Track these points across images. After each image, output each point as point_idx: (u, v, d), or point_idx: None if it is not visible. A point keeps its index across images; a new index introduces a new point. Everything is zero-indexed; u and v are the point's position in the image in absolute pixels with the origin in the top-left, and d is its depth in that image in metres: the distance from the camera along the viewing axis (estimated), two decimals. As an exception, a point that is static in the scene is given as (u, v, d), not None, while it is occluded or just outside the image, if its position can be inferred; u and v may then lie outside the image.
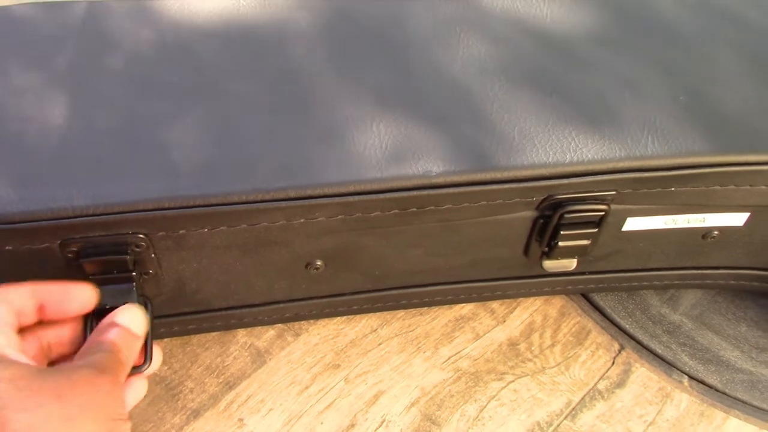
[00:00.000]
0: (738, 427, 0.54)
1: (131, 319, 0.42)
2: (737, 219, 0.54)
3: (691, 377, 0.57)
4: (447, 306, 0.59)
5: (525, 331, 0.58)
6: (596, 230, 0.51)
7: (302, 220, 0.47)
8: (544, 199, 0.49)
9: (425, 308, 0.59)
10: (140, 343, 0.43)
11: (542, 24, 0.57)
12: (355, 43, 0.55)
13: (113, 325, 0.41)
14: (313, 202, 0.46)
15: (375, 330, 0.58)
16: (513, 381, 0.55)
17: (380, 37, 0.55)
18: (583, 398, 0.55)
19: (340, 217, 0.47)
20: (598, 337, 0.59)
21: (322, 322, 0.58)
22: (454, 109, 0.50)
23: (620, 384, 0.56)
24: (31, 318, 0.41)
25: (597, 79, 0.53)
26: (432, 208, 0.48)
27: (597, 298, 0.60)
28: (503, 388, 0.55)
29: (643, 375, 0.57)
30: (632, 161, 0.48)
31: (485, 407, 0.54)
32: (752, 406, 0.56)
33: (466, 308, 0.60)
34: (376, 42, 0.55)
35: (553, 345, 0.58)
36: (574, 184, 0.48)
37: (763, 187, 0.51)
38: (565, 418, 0.54)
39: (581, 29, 0.57)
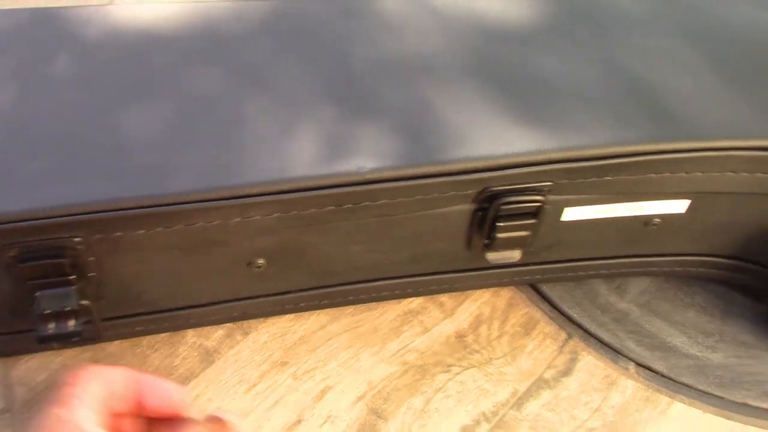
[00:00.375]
0: (682, 410, 0.55)
1: None
2: (678, 206, 0.54)
3: (637, 364, 0.57)
4: (396, 300, 0.60)
5: (473, 324, 0.59)
6: (535, 221, 0.51)
7: (238, 220, 0.47)
8: (480, 192, 0.49)
9: (374, 303, 0.59)
10: None
11: (478, 16, 0.57)
12: (291, 42, 0.55)
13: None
14: (248, 200, 0.46)
15: (324, 326, 0.58)
16: (460, 373, 0.56)
17: (315, 34, 0.56)
18: (529, 388, 0.55)
19: (276, 215, 0.47)
20: (546, 327, 0.59)
21: (272, 320, 0.58)
22: (390, 104, 0.51)
23: (566, 372, 0.57)
24: (127, 404, 0.40)
25: (533, 70, 0.53)
26: (367, 203, 0.48)
27: (545, 288, 0.61)
28: (450, 380, 0.55)
29: (590, 363, 0.57)
30: (566, 152, 0.49)
31: (431, 399, 0.54)
32: (698, 390, 0.56)
33: (415, 302, 0.60)
34: (311, 40, 0.55)
35: (500, 336, 0.58)
36: (508, 176, 0.49)
37: (699, 174, 0.52)
38: (511, 407, 0.54)
39: (518, 19, 0.57)
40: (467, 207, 0.51)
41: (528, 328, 0.59)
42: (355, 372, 0.55)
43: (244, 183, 0.46)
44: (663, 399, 0.56)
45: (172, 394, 0.41)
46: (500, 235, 0.52)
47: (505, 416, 0.54)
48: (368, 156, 0.47)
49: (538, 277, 0.60)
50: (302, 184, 0.46)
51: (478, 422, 0.53)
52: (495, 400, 0.55)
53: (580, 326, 0.59)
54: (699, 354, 0.58)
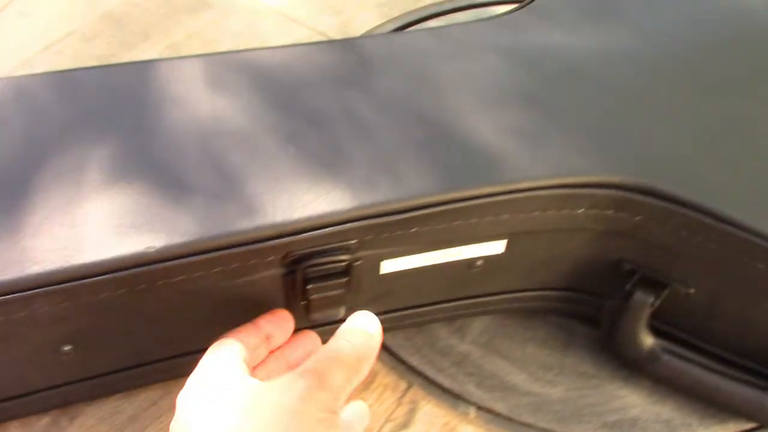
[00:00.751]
0: (521, 453, 0.55)
1: (367, 322, 0.45)
2: (496, 247, 0.54)
3: (478, 407, 0.57)
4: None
5: (311, 382, 0.57)
6: (347, 279, 0.50)
7: (24, 314, 0.45)
8: (284, 257, 0.48)
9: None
10: (378, 345, 0.45)
11: (277, 74, 0.56)
12: (96, 113, 0.53)
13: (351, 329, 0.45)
14: (28, 294, 0.44)
15: (155, 402, 0.56)
16: (296, 437, 0.54)
17: (119, 102, 0.54)
18: (367, 445, 0.54)
19: (65, 304, 0.45)
20: (386, 378, 0.58)
21: (99, 402, 0.56)
22: (189, 174, 0.49)
23: (405, 425, 0.56)
24: (264, 351, 0.48)
25: (334, 129, 0.52)
26: (164, 282, 0.47)
27: (386, 338, 0.60)
28: (286, 446, 0.54)
29: (429, 412, 0.56)
30: (365, 209, 0.48)
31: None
32: (538, 428, 0.56)
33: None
34: (116, 107, 0.54)
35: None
36: (307, 239, 0.48)
37: (507, 216, 0.51)
38: (349, 468, 0.53)
39: (315, 75, 0.56)
40: (275, 272, 0.50)
41: (366, 382, 0.58)
42: (187, 448, 0.53)
43: (22, 276, 0.44)
44: (502, 442, 0.55)
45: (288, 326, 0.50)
46: (315, 297, 0.51)
47: (342, 478, 0.52)
48: (159, 233, 0.46)
49: (372, 328, 0.59)
50: (84, 272, 0.44)
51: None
52: (332, 462, 0.53)
53: (420, 374, 0.58)
54: (539, 390, 0.58)
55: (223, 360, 0.44)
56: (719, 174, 0.52)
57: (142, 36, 0.82)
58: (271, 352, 0.49)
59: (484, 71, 0.58)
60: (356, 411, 0.47)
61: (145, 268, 0.45)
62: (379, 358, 0.59)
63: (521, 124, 0.53)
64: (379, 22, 0.85)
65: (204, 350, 0.53)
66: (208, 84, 0.55)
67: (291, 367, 0.47)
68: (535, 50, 0.60)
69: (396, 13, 0.87)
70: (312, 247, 0.48)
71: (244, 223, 0.47)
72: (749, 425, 0.57)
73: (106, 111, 0.53)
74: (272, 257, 0.48)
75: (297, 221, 0.47)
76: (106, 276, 0.45)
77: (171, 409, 0.55)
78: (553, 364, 0.59)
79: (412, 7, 0.88)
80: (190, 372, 0.55)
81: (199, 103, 0.54)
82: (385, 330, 0.58)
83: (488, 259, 0.55)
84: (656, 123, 0.54)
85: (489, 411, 0.57)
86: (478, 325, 0.62)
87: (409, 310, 0.58)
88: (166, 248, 0.45)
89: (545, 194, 0.50)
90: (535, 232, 0.53)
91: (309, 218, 0.47)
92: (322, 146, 0.51)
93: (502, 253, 0.55)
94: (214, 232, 0.46)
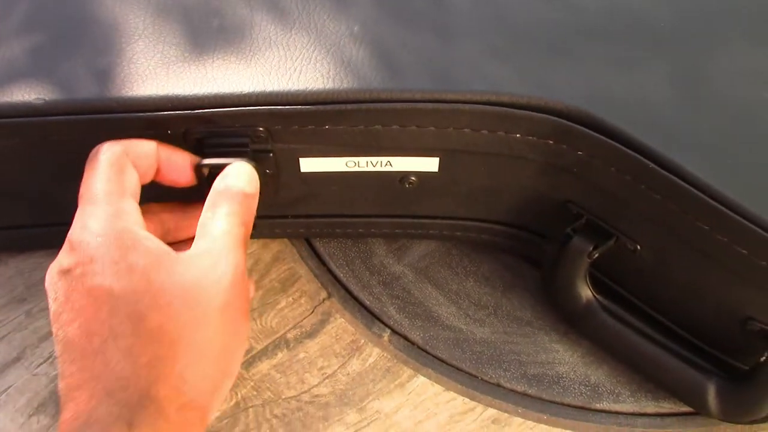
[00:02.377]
0: (423, 386, 0.51)
1: (239, 177, 0.42)
2: (428, 164, 0.50)
3: (394, 331, 0.54)
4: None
5: (231, 275, 0.56)
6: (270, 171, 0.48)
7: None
8: (185, 133, 0.46)
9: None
10: (256, 200, 0.42)
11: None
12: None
13: (226, 191, 0.41)
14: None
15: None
16: (199, 325, 0.53)
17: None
18: (266, 346, 0.53)
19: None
20: (307, 284, 0.56)
21: (24, 256, 0.56)
22: (97, 35, 0.47)
23: (312, 334, 0.53)
24: (148, 178, 0.42)
25: (263, 12, 0.49)
26: (57, 138, 0.46)
27: (319, 244, 0.57)
28: (186, 331, 0.53)
29: (340, 326, 0.54)
30: (271, 96, 0.45)
31: (160, 349, 0.52)
32: (450, 366, 0.52)
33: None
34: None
35: (255, 291, 0.55)
36: (207, 116, 0.45)
37: (433, 128, 0.47)
38: (241, 366, 0.51)
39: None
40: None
41: (286, 284, 0.56)
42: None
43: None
44: (406, 371, 0.52)
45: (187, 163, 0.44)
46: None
47: (231, 374, 0.51)
48: (54, 88, 0.45)
49: (302, 230, 0.56)
50: None
51: (200, 377, 0.51)
52: (226, 356, 0.52)
53: (343, 286, 0.55)
54: (463, 327, 0.54)
55: (121, 225, 0.38)
56: (673, 121, 0.44)
57: None
58: None
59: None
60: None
61: (33, 119, 0.44)
62: (306, 263, 0.57)
63: (467, 36, 0.48)
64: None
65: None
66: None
67: (164, 234, 0.44)
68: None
69: None
70: (216, 128, 0.46)
71: (142, 91, 0.45)
72: (686, 409, 0.50)
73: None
74: (171, 131, 0.46)
75: (196, 96, 0.45)
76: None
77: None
78: (489, 304, 0.55)
79: None
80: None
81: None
82: (316, 235, 0.55)
83: (422, 177, 0.50)
84: (611, 61, 0.47)
85: (404, 337, 0.53)
86: (421, 249, 0.58)
87: (340, 218, 0.55)
88: (55, 102, 0.44)
89: (473, 109, 0.45)
90: (469, 153, 0.48)
91: (209, 95, 0.45)
92: (248, 27, 0.48)
93: (436, 173, 0.50)
94: (108, 94, 0.45)
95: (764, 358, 0.45)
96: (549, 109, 0.45)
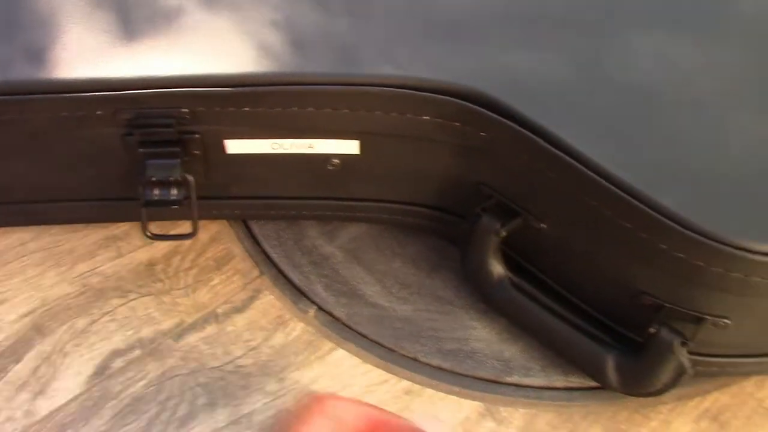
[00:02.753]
0: (342, 358, 0.54)
1: None
2: (349, 147, 0.52)
3: (319, 308, 0.56)
4: (104, 225, 0.60)
5: (169, 254, 0.59)
6: (182, 149, 0.51)
7: None
8: (114, 113, 0.49)
9: (81, 225, 0.60)
10: None
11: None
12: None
13: None
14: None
15: (24, 243, 0.59)
16: (134, 299, 0.56)
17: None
18: (196, 320, 0.55)
19: None
20: (240, 263, 0.58)
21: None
22: (31, 24, 0.51)
23: (240, 309, 0.56)
24: None
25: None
26: (8, 117, 0.49)
27: (255, 226, 0.60)
28: (122, 305, 0.56)
29: (268, 302, 0.56)
30: (192, 79, 0.48)
31: (96, 321, 0.55)
32: (370, 341, 0.55)
33: (121, 227, 0.60)
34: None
35: (190, 268, 0.58)
36: (133, 97, 0.48)
37: (347, 111, 0.49)
38: (171, 337, 0.54)
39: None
40: (113, 131, 0.50)
41: (221, 263, 0.58)
42: (35, 289, 0.56)
43: None
44: (327, 345, 0.54)
45: None
46: (151, 162, 0.51)
47: (161, 345, 0.54)
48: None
49: (238, 212, 0.59)
50: None
51: (131, 348, 0.54)
52: (158, 328, 0.55)
53: (275, 265, 0.58)
54: (386, 304, 0.56)
55: None
56: (569, 102, 0.47)
57: None
58: None
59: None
60: None
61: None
62: (242, 243, 0.59)
63: (380, 22, 0.51)
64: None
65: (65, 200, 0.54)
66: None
67: None
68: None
69: None
70: (142, 108, 0.49)
71: (73, 73, 0.48)
72: (594, 384, 0.52)
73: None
74: (100, 111, 0.49)
75: (123, 79, 0.48)
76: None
77: (35, 252, 0.58)
78: (413, 283, 0.57)
79: None
80: (54, 220, 0.57)
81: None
82: (250, 216, 0.58)
83: (344, 159, 0.53)
84: (514, 45, 0.50)
85: (328, 314, 0.56)
86: (351, 231, 0.60)
87: (273, 199, 0.58)
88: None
89: (381, 92, 0.48)
90: (387, 136, 0.51)
91: (136, 78, 0.48)
92: (177, 14, 0.51)
93: (358, 155, 0.53)
94: (40, 76, 0.48)
95: (653, 329, 0.46)
96: (452, 92, 0.47)
